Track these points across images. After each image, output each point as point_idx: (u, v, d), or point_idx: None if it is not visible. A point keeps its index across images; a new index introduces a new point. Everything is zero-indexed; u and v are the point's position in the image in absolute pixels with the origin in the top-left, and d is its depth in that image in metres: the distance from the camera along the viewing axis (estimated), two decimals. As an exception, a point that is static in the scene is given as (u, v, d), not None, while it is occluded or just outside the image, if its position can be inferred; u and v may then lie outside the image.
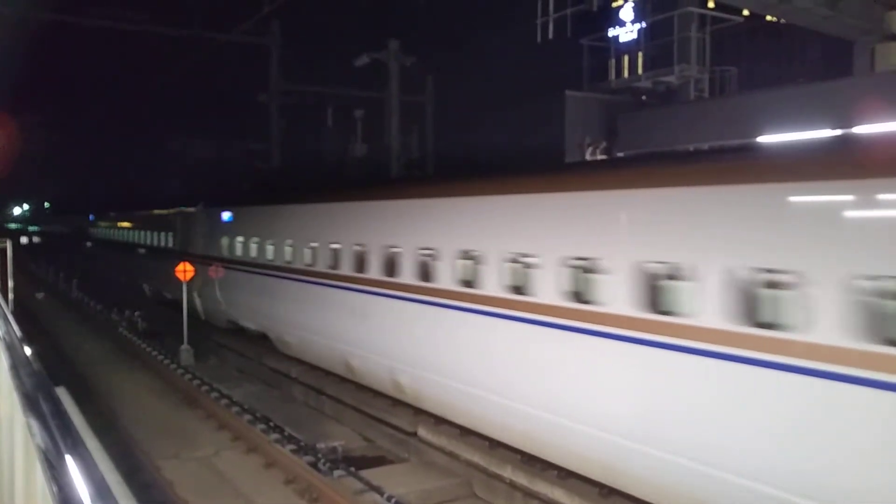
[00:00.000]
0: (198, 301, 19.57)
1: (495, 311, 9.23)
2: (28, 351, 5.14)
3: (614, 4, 20.03)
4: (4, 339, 5.36)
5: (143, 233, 26.88)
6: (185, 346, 17.74)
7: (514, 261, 9.08)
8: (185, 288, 18.14)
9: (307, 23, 34.03)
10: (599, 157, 15.75)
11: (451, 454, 10.78)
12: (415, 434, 11.65)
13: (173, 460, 11.08)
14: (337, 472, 10.25)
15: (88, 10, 25.13)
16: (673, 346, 7.05)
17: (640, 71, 19.17)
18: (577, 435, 8.20)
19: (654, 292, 7.32)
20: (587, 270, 8.08)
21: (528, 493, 9.32)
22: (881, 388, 5.52)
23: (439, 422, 11.43)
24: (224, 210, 18.96)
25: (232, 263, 18.05)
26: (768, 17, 21.23)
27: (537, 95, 21.42)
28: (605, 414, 7.93)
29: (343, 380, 14.11)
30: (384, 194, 12.91)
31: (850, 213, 6.06)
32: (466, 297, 9.71)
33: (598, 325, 7.80)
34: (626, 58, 19.50)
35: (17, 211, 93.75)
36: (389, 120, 22.93)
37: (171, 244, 23.01)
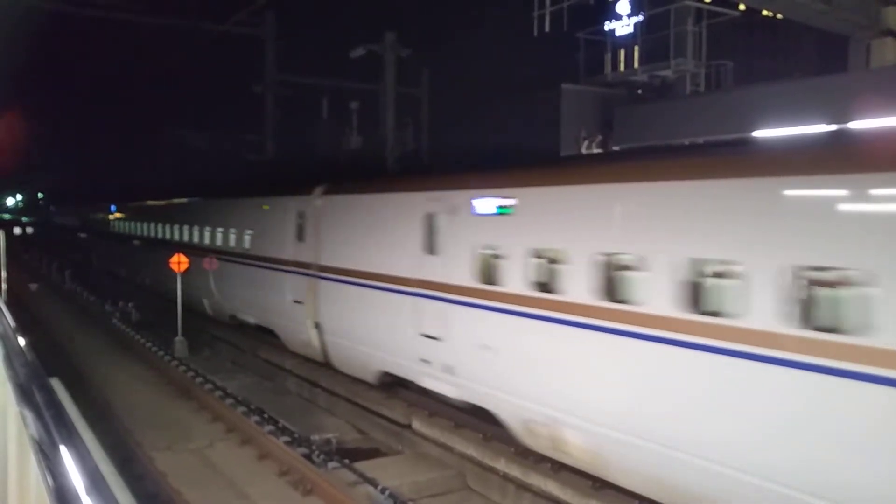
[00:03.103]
0: None
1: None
2: (22, 342, 5.13)
3: (611, -2, 19.98)
4: (-2, 329, 5.35)
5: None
6: (179, 338, 17.71)
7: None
8: (178, 279, 18.10)
9: (302, 13, 33.93)
10: (595, 150, 15.74)
11: (444, 446, 10.81)
12: (409, 426, 11.68)
13: (167, 452, 11.07)
14: (331, 464, 10.27)
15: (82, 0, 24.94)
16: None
17: (636, 65, 19.16)
18: None
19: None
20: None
21: (522, 486, 9.36)
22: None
23: (433, 414, 11.47)
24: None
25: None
26: (764, 12, 21.29)
27: (533, 88, 21.40)
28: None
29: (337, 372, 14.14)
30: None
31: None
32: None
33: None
34: (622, 51, 19.49)
35: (10, 201, 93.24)
36: (385, 112, 22.87)
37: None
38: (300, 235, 14.64)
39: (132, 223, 29.70)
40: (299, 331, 14.68)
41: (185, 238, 22.02)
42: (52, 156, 61.84)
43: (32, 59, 37.32)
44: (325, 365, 14.27)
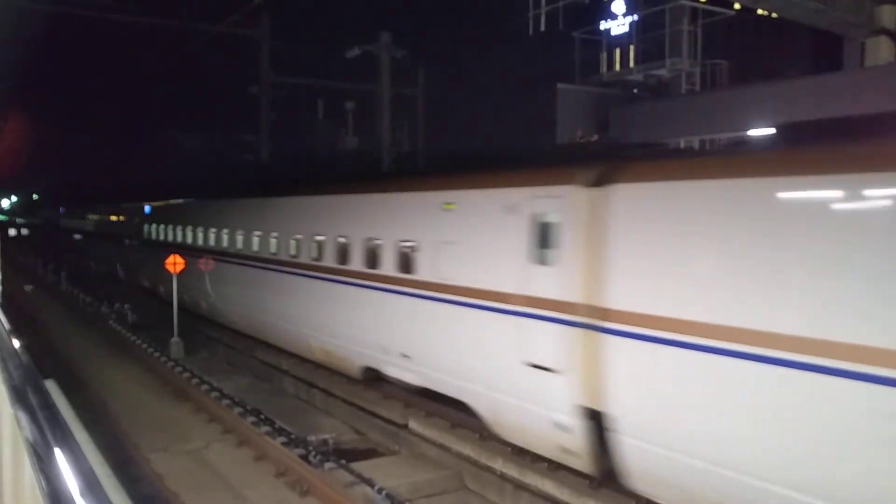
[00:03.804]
0: None
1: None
2: (16, 343, 5.11)
3: (606, -3, 20.03)
4: (-8, 331, 5.34)
5: None
6: (175, 339, 17.67)
7: None
8: (174, 280, 18.07)
9: (297, 14, 33.94)
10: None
11: (441, 446, 10.80)
12: (406, 426, 11.67)
13: (163, 453, 11.04)
14: (328, 465, 10.25)
15: (78, 0, 24.90)
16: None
17: (631, 64, 19.21)
18: None
19: None
20: None
21: (519, 485, 9.36)
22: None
23: (430, 414, 11.46)
24: None
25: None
26: (759, 11, 21.32)
27: (529, 88, 21.43)
28: None
29: (334, 372, 14.12)
30: None
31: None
32: None
33: None
34: (617, 51, 19.53)
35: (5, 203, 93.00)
36: (380, 113, 22.88)
37: None
38: (541, 254, 8.81)
39: (181, 229, 22.11)
40: (536, 414, 8.91)
41: (283, 250, 15.38)
42: (49, 157, 61.83)
43: (27, 60, 37.31)
44: (600, 482, 8.69)
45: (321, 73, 29.10)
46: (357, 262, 12.51)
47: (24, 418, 3.16)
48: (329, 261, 13.46)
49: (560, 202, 8.60)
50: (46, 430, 2.96)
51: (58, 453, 2.67)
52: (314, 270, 14.00)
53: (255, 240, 16.69)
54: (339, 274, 13.03)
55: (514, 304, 9.10)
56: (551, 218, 8.71)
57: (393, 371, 11.88)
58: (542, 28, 18.85)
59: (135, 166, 47.00)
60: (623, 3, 19.42)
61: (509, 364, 9.18)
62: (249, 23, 26.93)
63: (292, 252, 14.93)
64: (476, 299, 9.76)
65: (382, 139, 22.82)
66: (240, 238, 17.49)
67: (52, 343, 19.34)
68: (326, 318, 13.62)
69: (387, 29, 22.56)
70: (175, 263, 17.90)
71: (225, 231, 18.51)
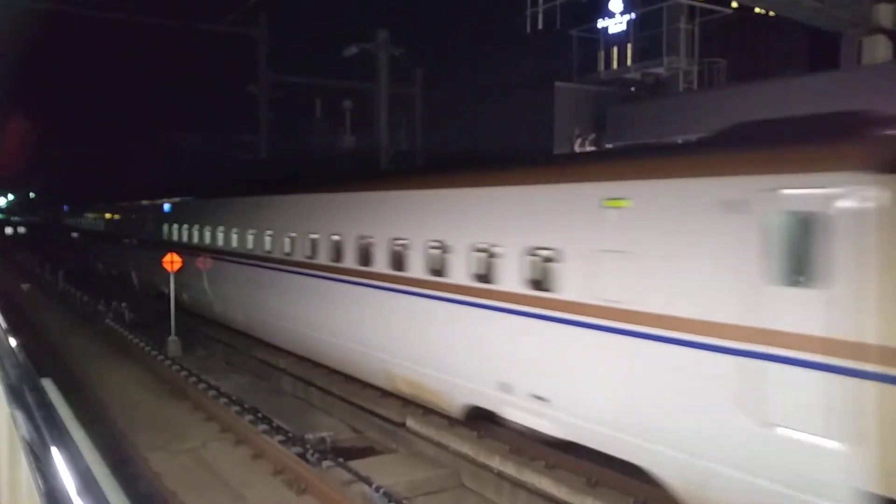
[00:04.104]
0: None
1: None
2: (13, 342, 5.12)
3: (604, -4, 20.04)
4: (-11, 330, 5.34)
5: None
6: (172, 338, 17.67)
7: None
8: (171, 278, 18.06)
9: (295, 13, 33.94)
10: (588, 148, 15.77)
11: (439, 445, 10.82)
12: (403, 425, 11.68)
13: (161, 452, 11.04)
14: (325, 463, 10.26)
15: (78, 0, 24.85)
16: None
17: (629, 62, 19.21)
18: None
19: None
20: None
21: (516, 484, 9.38)
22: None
23: (428, 412, 11.47)
24: None
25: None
26: (757, 10, 21.34)
27: (527, 86, 21.44)
28: None
29: (332, 371, 14.12)
30: None
31: None
32: None
33: None
34: (615, 49, 19.53)
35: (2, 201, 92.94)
36: (378, 112, 22.85)
37: None
38: (790, 271, 6.34)
39: (212, 230, 19.22)
40: (779, 496, 6.43)
41: (350, 258, 12.66)
42: (47, 156, 61.75)
43: (25, 59, 37.26)
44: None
45: (319, 72, 29.11)
46: (461, 276, 10.08)
47: (20, 417, 3.16)
48: (418, 272, 10.93)
49: (826, 196, 6.05)
50: (43, 430, 2.96)
51: (55, 452, 2.68)
52: (398, 283, 11.40)
53: (321, 245, 13.71)
54: (434, 288, 10.57)
55: (739, 339, 6.60)
56: (807, 218, 6.20)
57: (517, 415, 9.42)
58: (540, 26, 18.85)
59: (134, 165, 46.89)
60: (621, 1, 19.42)
61: (732, 423, 6.68)
62: (248, 22, 26.94)
63: (362, 261, 12.30)
64: (668, 331, 7.22)
65: (381, 138, 22.80)
66: (304, 243, 14.41)
67: (50, 342, 19.32)
68: (418, 342, 11.19)
69: (385, 27, 22.54)
70: (172, 262, 17.90)
71: (279, 233, 15.45)
